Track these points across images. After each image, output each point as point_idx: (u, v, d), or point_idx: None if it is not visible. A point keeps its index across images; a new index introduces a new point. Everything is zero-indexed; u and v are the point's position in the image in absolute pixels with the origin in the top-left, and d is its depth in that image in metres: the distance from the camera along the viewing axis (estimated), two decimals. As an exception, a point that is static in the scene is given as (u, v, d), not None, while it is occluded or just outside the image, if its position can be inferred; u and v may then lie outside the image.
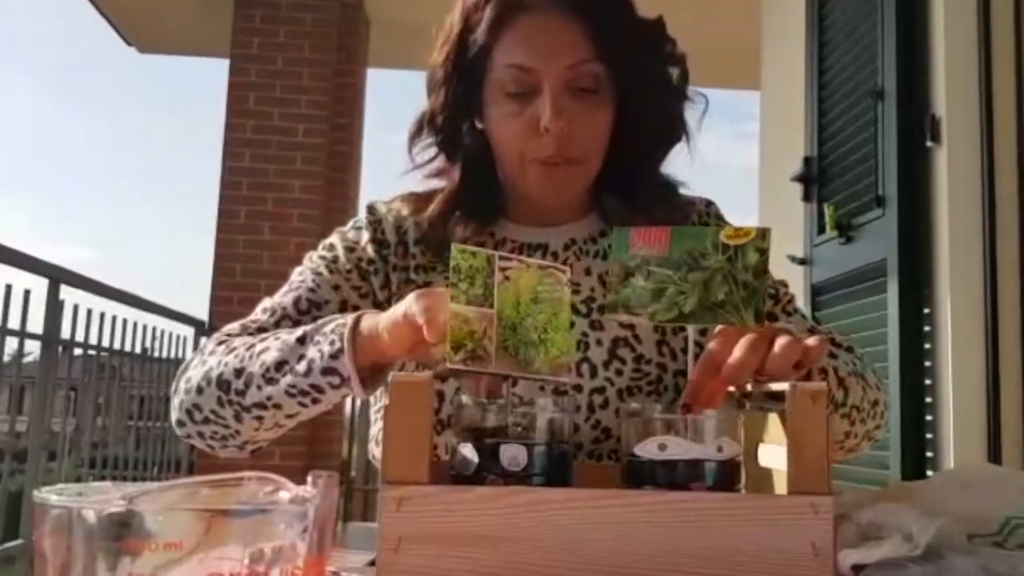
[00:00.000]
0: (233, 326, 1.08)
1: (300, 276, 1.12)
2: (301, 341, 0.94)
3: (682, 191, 1.20)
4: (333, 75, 4.90)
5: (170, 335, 4.38)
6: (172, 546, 0.47)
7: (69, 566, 0.47)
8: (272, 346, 0.96)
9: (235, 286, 4.63)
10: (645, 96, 1.10)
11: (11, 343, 2.89)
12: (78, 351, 3.43)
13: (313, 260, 1.14)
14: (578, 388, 1.06)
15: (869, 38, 2.66)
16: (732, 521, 0.71)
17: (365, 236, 1.14)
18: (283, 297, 1.10)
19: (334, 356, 0.90)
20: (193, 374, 1.01)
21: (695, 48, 1.16)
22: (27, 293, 2.87)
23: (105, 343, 3.62)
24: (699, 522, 0.71)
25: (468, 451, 0.76)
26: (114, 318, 3.70)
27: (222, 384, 0.97)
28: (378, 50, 5.31)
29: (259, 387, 0.94)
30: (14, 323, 2.81)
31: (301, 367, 0.92)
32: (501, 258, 0.78)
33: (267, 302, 1.11)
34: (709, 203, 1.22)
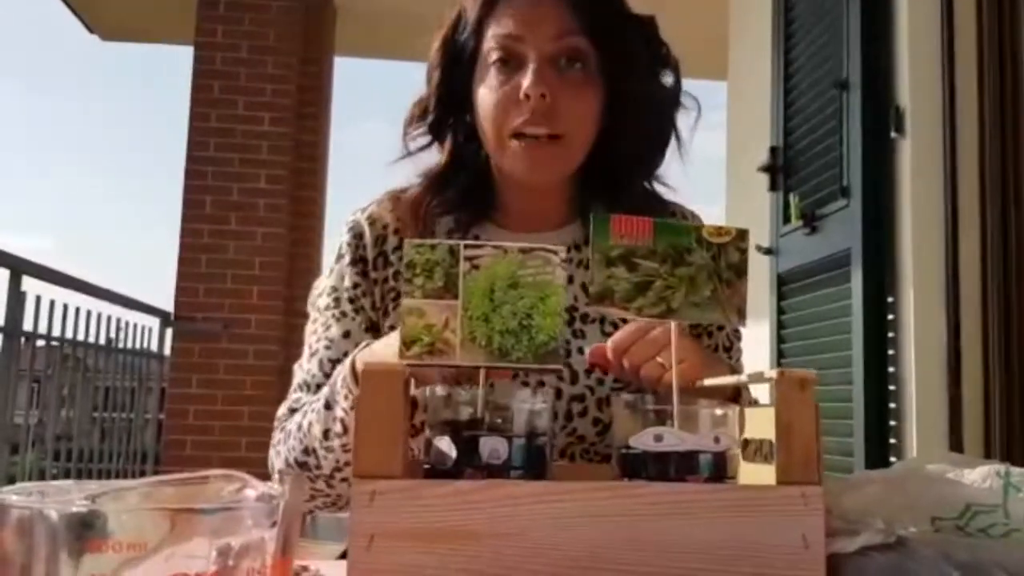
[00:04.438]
0: (282, 410, 1.12)
1: (315, 334, 1.14)
2: (328, 406, 0.99)
3: (672, 198, 1.20)
4: (299, 63, 4.84)
5: (135, 326, 4.35)
6: (135, 547, 0.47)
7: (30, 567, 0.47)
8: (313, 419, 1.01)
9: (201, 276, 4.58)
10: (633, 86, 1.10)
11: (-29, 335, 2.85)
12: (41, 342, 3.38)
13: (320, 311, 1.15)
14: (558, 394, 1.06)
15: (834, 29, 2.68)
16: (719, 513, 0.68)
17: (347, 267, 1.14)
18: (309, 362, 1.13)
19: (353, 408, 0.94)
20: (277, 463, 1.08)
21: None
22: (-13, 284, 2.84)
23: (69, 334, 3.57)
24: (684, 514, 0.68)
25: (445, 445, 0.72)
26: (77, 309, 3.66)
27: (302, 465, 1.03)
28: (345, 38, 5.25)
29: (325, 457, 1.00)
30: (-26, 315, 2.78)
31: (339, 428, 0.97)
32: (468, 246, 0.75)
33: (299, 375, 1.14)
34: (695, 216, 1.21)
